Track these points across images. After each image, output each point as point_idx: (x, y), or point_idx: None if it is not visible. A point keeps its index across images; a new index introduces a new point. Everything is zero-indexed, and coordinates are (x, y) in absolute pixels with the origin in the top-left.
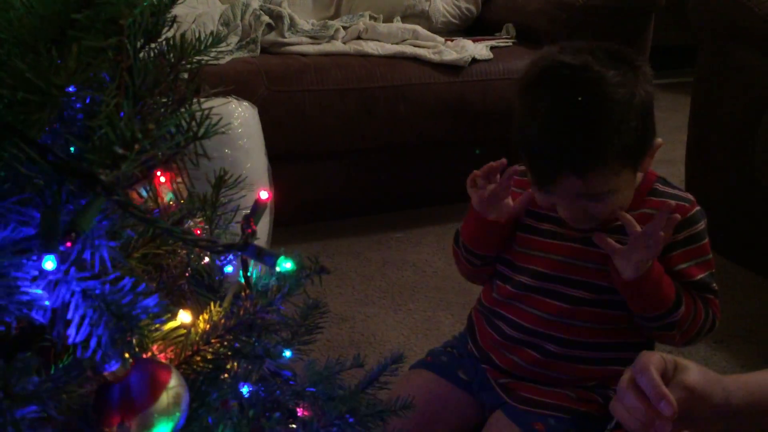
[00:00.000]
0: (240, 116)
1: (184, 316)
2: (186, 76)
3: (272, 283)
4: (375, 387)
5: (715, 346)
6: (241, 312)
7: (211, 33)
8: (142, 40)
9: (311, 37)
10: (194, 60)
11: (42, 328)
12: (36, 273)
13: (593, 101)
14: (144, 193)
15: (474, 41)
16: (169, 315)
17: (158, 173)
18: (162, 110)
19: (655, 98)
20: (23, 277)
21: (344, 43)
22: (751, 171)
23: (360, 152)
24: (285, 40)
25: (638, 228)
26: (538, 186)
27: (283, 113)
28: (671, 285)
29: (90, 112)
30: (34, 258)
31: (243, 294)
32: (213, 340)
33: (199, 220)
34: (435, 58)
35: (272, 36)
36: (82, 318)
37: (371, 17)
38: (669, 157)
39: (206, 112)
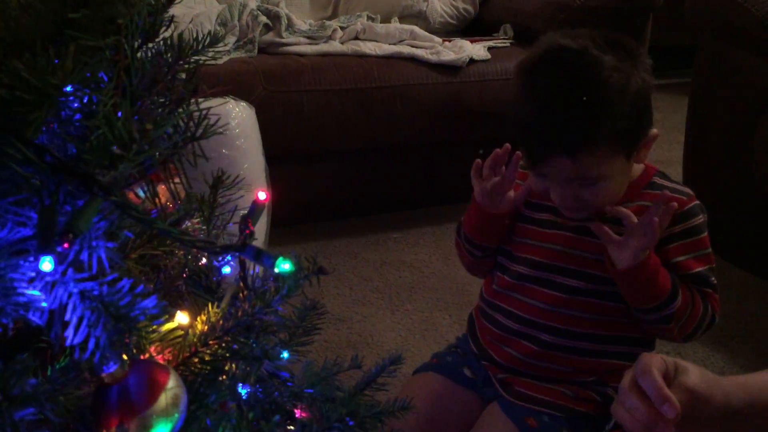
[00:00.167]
0: (237, 116)
1: (181, 318)
2: (184, 76)
3: (270, 284)
4: (373, 388)
5: (713, 347)
6: (239, 313)
7: (209, 33)
8: (139, 40)
9: (309, 38)
10: (192, 60)
11: (39, 329)
12: (33, 274)
13: (588, 83)
14: (141, 194)
15: (472, 42)
16: (167, 316)
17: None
18: (160, 110)
19: (653, 99)
20: (20, 278)
21: (342, 43)
22: (748, 172)
23: (358, 152)
24: (282, 40)
25: (634, 219)
26: (531, 167)
27: (281, 113)
28: (667, 277)
29: (87, 112)
30: (31, 259)
31: (241, 295)
32: (211, 342)
33: (196, 220)
34: (433, 58)
35: (270, 36)
36: (80, 319)
37: (369, 18)
38: (667, 158)
39: (204, 112)
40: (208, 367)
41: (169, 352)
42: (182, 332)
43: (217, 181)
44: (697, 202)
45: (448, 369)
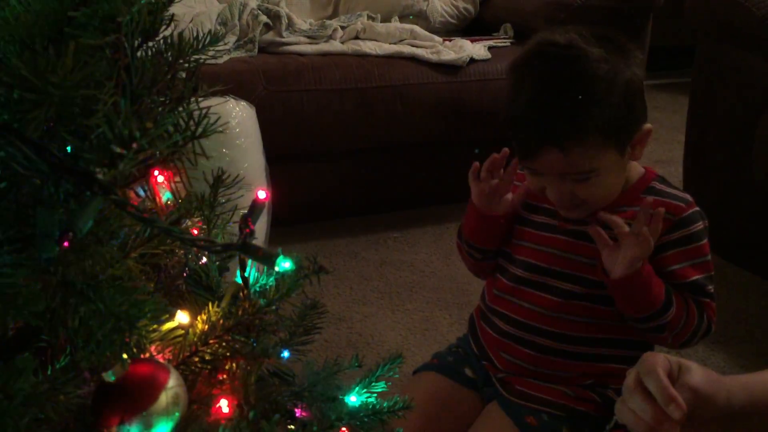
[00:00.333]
0: (237, 116)
1: (182, 317)
2: (184, 74)
3: (270, 283)
4: (373, 388)
5: (713, 347)
6: (240, 312)
7: (209, 32)
8: (139, 39)
9: (309, 37)
10: (192, 59)
11: (39, 328)
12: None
13: (575, 74)
14: (141, 193)
15: (472, 41)
16: (167, 315)
17: (155, 172)
18: (160, 109)
19: (654, 98)
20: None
21: (342, 42)
22: (749, 171)
23: (358, 152)
24: (283, 39)
25: (625, 228)
26: (523, 163)
27: (281, 113)
28: (661, 286)
29: (87, 110)
30: (32, 257)
31: (241, 294)
32: (211, 341)
33: (197, 219)
34: (433, 58)
35: (270, 36)
36: (80, 318)
37: (369, 17)
38: (667, 158)
39: (204, 111)
40: (209, 366)
41: (170, 352)
42: (182, 331)
43: (217, 181)
44: (697, 208)
45: (449, 369)
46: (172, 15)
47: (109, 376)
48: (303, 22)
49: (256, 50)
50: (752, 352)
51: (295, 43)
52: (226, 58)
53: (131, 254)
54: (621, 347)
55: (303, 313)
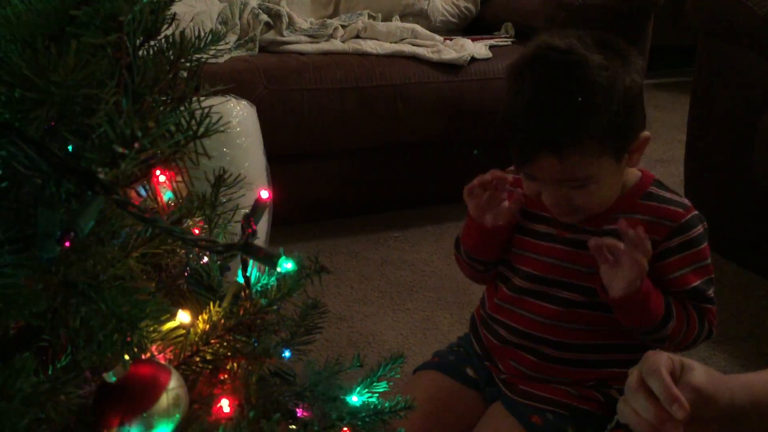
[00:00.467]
0: (238, 115)
1: (183, 317)
2: (185, 74)
3: (272, 283)
4: (374, 387)
5: (714, 346)
6: (241, 312)
7: (210, 31)
8: (141, 38)
9: (310, 36)
10: (193, 58)
11: (40, 328)
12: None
13: (574, 80)
14: (143, 192)
15: (473, 40)
16: (168, 315)
17: (157, 172)
18: (161, 108)
19: (654, 98)
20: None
21: (343, 42)
22: (749, 171)
23: (358, 151)
24: (283, 38)
25: (620, 246)
26: (519, 168)
27: (282, 112)
28: (660, 301)
29: (89, 110)
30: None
31: (242, 294)
32: (212, 341)
33: (198, 219)
34: (434, 57)
35: (271, 35)
36: (81, 318)
37: (370, 16)
38: (668, 157)
39: (206, 110)
40: (210, 367)
41: (171, 352)
42: (184, 331)
43: (218, 180)
44: (695, 212)
45: (451, 368)
46: (174, 14)
47: (110, 377)
48: (304, 21)
49: (257, 49)
50: (753, 352)
51: (296, 42)
52: (226, 57)
53: (132, 254)
54: (622, 351)
55: (304, 313)
